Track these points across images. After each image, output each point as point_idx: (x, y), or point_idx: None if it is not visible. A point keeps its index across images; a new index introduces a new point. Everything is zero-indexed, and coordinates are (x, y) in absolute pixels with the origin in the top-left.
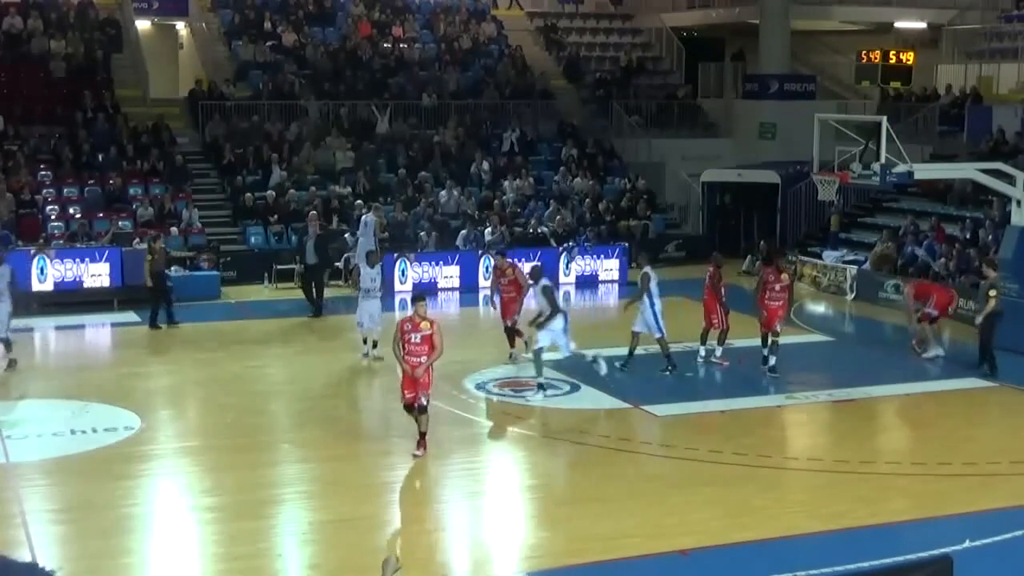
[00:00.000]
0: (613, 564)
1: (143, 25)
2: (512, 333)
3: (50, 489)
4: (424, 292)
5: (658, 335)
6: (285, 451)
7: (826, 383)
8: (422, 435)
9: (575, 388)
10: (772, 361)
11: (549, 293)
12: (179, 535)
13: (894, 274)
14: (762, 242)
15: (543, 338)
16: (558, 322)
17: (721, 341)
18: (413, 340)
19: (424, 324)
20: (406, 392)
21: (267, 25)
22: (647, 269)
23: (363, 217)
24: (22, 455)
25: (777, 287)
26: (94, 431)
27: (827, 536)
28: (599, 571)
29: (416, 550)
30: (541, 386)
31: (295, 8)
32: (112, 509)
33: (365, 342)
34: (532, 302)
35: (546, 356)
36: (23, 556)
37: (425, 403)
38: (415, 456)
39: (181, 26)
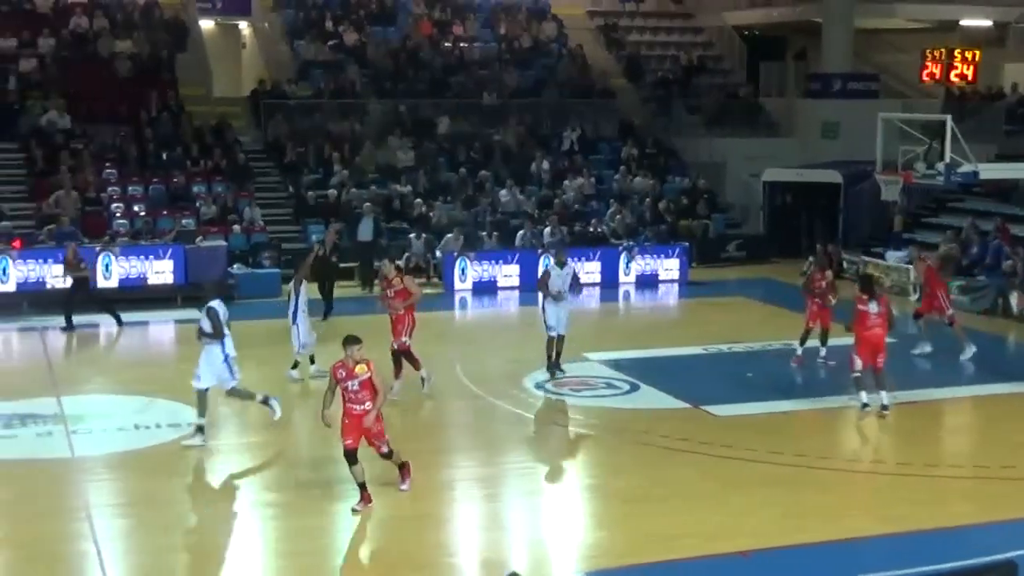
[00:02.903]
0: (672, 564)
1: (207, 25)
2: (404, 356)
3: (114, 483)
4: (356, 334)
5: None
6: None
7: (889, 385)
8: (402, 468)
9: (634, 388)
10: (865, 397)
11: (215, 316)
12: (240, 531)
13: (958, 275)
14: (818, 245)
15: (206, 376)
16: (216, 352)
17: (803, 341)
18: (351, 388)
19: (360, 368)
20: (345, 438)
21: (329, 24)
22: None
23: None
24: (87, 449)
25: (872, 313)
26: (158, 426)
27: (888, 539)
28: (658, 571)
29: (474, 549)
30: (200, 428)
31: (356, 7)
32: (175, 504)
33: None
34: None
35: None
36: (87, 549)
37: (387, 451)
38: (402, 490)
39: (244, 26)
